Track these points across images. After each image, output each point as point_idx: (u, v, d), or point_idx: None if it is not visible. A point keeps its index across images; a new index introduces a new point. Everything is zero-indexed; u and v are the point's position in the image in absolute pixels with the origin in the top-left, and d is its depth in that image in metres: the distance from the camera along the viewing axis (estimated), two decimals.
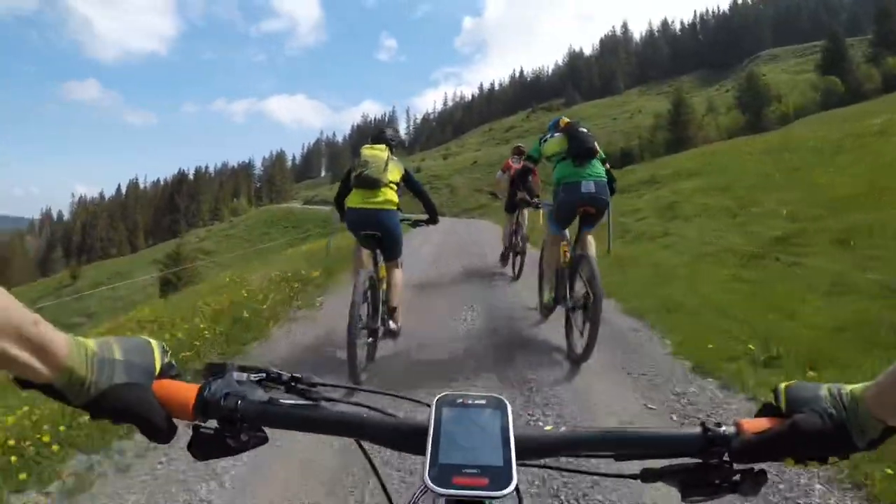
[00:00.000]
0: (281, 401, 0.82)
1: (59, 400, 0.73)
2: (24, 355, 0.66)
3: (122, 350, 0.78)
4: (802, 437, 0.74)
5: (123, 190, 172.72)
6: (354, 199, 5.15)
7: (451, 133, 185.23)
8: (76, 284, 66.21)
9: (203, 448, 0.80)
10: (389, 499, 0.95)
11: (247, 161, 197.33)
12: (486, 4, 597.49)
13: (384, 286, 5.38)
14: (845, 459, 0.76)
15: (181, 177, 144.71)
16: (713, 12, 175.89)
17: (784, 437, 0.75)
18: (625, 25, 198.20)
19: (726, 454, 0.77)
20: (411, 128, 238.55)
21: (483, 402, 0.78)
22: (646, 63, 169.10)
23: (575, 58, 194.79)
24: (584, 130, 5.41)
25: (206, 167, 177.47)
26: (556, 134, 5.55)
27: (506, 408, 0.78)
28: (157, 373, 0.81)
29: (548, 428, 0.81)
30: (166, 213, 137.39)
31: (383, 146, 5.37)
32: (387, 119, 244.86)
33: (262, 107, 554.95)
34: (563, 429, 0.82)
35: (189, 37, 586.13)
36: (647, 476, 0.81)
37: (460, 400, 0.79)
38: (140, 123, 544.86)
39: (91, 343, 0.75)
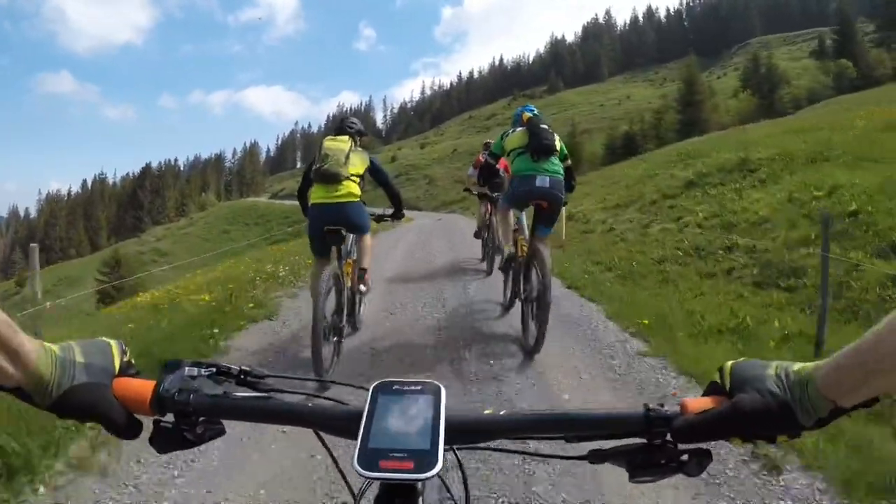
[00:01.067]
0: (234, 394, 0.85)
1: (27, 402, 0.76)
2: (1, 361, 0.71)
3: (82, 352, 0.81)
4: (744, 417, 0.73)
5: (89, 185, 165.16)
6: (317, 194, 5.05)
7: (429, 123, 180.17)
8: (24, 292, 59.68)
9: (163, 441, 0.83)
10: (349, 485, 0.99)
11: (218, 153, 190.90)
12: None
13: (349, 276, 5.38)
14: (795, 438, 0.76)
15: (144, 171, 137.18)
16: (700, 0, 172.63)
17: (726, 417, 0.74)
18: (608, 12, 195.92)
19: (669, 434, 0.77)
20: (388, 117, 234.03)
21: (418, 387, 0.80)
22: (631, 50, 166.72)
23: (557, 45, 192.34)
24: (545, 127, 5.50)
25: (175, 160, 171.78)
26: (519, 129, 5.66)
27: (439, 392, 0.78)
28: (116, 372, 0.83)
29: (486, 412, 0.82)
30: (129, 209, 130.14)
31: (346, 137, 5.26)
32: (363, 108, 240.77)
33: (240, 98, 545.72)
34: (502, 412, 0.82)
35: (166, 27, 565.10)
36: (595, 457, 0.81)
37: (396, 386, 0.80)
38: (118, 116, 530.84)
39: (54, 347, 0.79)
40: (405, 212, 6.08)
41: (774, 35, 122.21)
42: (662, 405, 0.78)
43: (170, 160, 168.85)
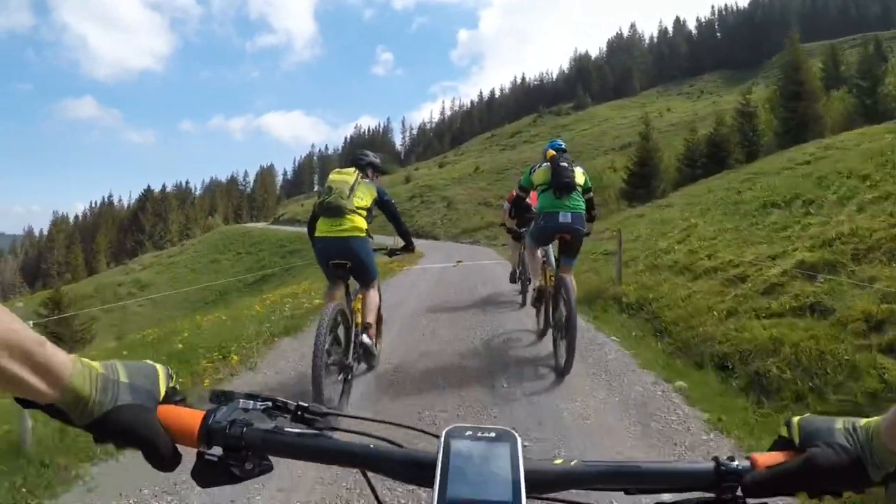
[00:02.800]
0: (286, 429, 0.82)
1: (63, 420, 0.74)
2: (30, 376, 0.68)
3: (126, 373, 0.79)
4: (817, 472, 0.73)
5: (97, 207, 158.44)
6: (321, 228, 5.11)
7: (449, 143, 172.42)
8: None
9: (207, 475, 0.80)
10: None
11: (230, 176, 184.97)
12: (480, 16, 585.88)
13: (358, 312, 5.34)
14: (860, 493, 0.76)
15: (146, 193, 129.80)
16: (731, 9, 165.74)
17: (799, 472, 0.75)
18: (633, 26, 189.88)
19: (739, 489, 0.77)
20: (407, 139, 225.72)
21: (492, 434, 0.78)
22: (662, 63, 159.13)
23: (582, 60, 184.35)
24: (565, 165, 6.04)
25: (186, 182, 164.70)
26: (544, 164, 6.25)
27: (515, 441, 0.77)
28: (161, 397, 0.82)
29: (558, 461, 0.80)
30: (129, 233, 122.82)
31: (352, 170, 5.34)
32: (381, 131, 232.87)
33: (259, 123, 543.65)
34: (573, 462, 0.80)
35: (184, 54, 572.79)
36: None
37: (469, 432, 0.78)
38: (140, 141, 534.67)
39: (96, 365, 0.77)
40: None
41: (817, 42, 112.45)
42: (732, 459, 0.78)
43: (181, 182, 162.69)
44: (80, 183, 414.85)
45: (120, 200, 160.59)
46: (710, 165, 30.48)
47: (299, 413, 0.84)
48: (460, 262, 19.88)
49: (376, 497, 0.91)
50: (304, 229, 5.91)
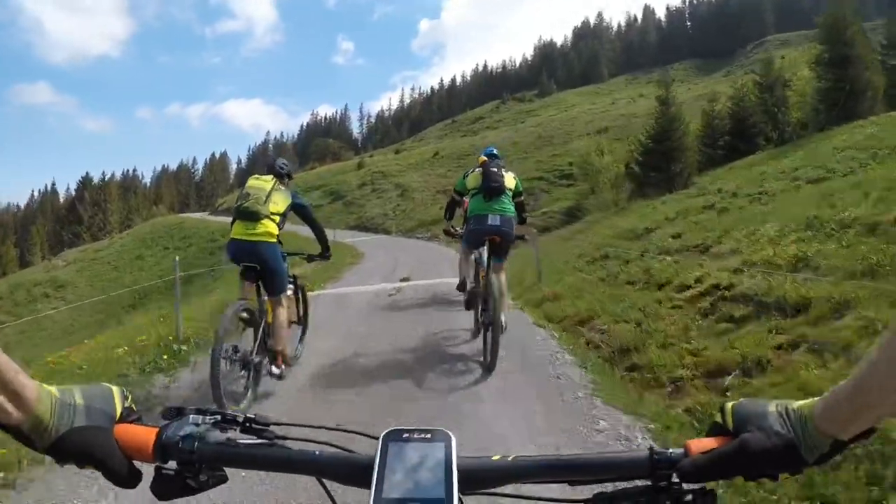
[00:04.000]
0: (238, 441, 0.86)
1: (24, 443, 0.76)
2: (2, 400, 0.72)
3: (82, 395, 0.81)
4: (751, 456, 0.74)
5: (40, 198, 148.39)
6: (235, 231, 5.27)
7: (407, 131, 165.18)
8: None
9: (165, 489, 0.83)
10: None
11: (179, 164, 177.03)
12: (442, 6, 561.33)
13: (266, 323, 5.41)
14: (798, 474, 0.77)
15: (83, 182, 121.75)
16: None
17: (732, 457, 0.76)
18: (599, 15, 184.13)
19: (675, 475, 0.78)
20: (364, 127, 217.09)
21: (428, 435, 0.80)
22: (631, 51, 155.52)
23: (547, 47, 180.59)
24: (495, 170, 6.48)
25: (134, 170, 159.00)
26: (476, 169, 6.73)
27: (450, 440, 0.79)
28: (117, 417, 0.84)
29: (495, 457, 0.83)
30: (67, 224, 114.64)
31: (270, 177, 5.55)
32: (339, 118, 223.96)
33: (218, 111, 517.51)
34: (510, 458, 0.83)
35: (142, 38, 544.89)
36: (599, 501, 0.81)
37: (406, 434, 0.80)
38: (96, 129, 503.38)
39: (53, 389, 0.79)
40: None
41: (795, 32, 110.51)
42: (667, 448, 0.80)
43: (128, 171, 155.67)
44: (33, 172, 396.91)
45: (67, 189, 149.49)
46: (736, 145, 25.17)
47: (247, 424, 0.86)
48: (406, 280, 13.35)
49: (332, 500, 0.93)
50: None
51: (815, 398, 0.75)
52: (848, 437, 0.72)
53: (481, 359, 6.22)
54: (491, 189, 6.33)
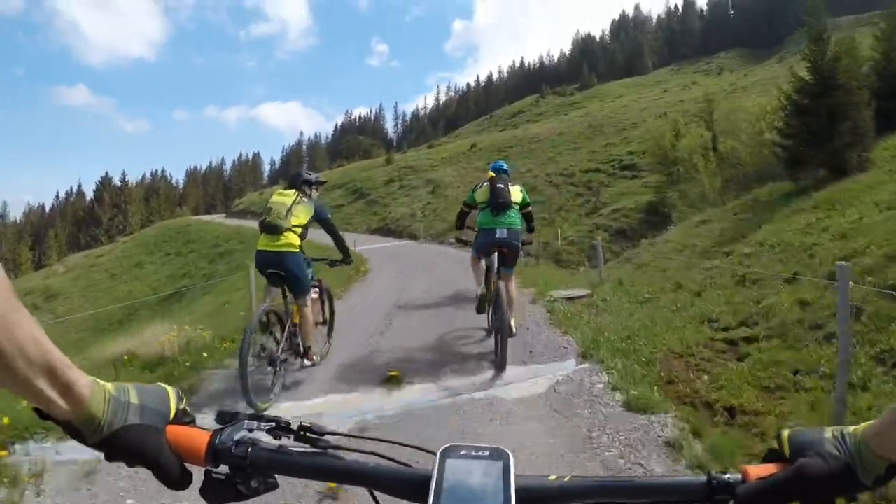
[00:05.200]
0: (290, 448, 0.87)
1: (75, 437, 0.78)
2: (53, 394, 0.72)
3: (137, 394, 0.82)
4: (808, 481, 0.75)
5: (62, 197, 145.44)
6: (261, 243, 5.85)
7: (443, 129, 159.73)
8: None
9: (214, 493, 0.84)
10: None
11: (208, 164, 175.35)
12: (476, 7, 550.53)
13: (295, 324, 5.94)
14: (854, 500, 0.78)
15: (103, 183, 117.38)
16: None
17: (790, 482, 0.76)
18: (637, 7, 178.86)
19: (731, 501, 0.78)
20: (399, 126, 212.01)
21: (486, 453, 0.80)
22: (674, 41, 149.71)
23: (587, 41, 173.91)
24: (502, 186, 6.90)
25: (162, 171, 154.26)
26: (485, 184, 7.15)
27: (508, 458, 0.79)
28: (171, 418, 0.85)
29: (551, 477, 0.82)
30: (84, 226, 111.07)
31: (292, 191, 6.04)
32: (373, 117, 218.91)
33: (255, 114, 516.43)
34: (566, 479, 0.82)
35: (178, 41, 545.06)
36: None
37: (464, 451, 0.80)
38: (133, 130, 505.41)
39: (109, 386, 0.80)
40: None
41: (846, 17, 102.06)
42: (725, 472, 0.80)
43: (155, 171, 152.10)
44: (69, 173, 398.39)
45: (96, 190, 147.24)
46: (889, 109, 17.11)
47: (301, 433, 0.87)
48: (395, 377, 6.18)
49: None
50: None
51: (870, 422, 0.76)
52: None
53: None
54: (498, 205, 6.82)
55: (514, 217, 6.90)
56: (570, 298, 10.34)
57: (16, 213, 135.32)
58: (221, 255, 38.92)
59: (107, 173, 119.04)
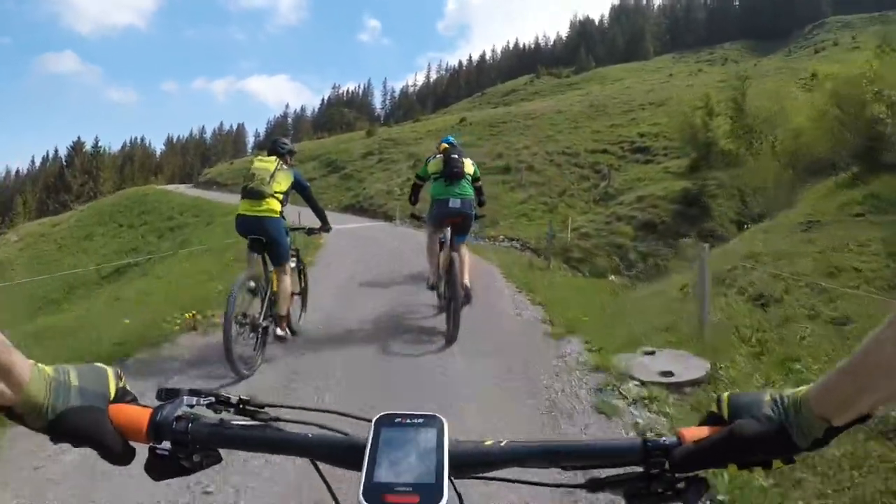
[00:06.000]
0: (231, 423, 0.87)
1: (19, 422, 0.77)
2: None
3: (77, 375, 0.81)
4: (741, 442, 0.75)
5: (37, 163, 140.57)
6: (242, 207, 5.81)
7: (432, 107, 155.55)
8: None
9: (158, 469, 0.84)
10: None
11: (188, 134, 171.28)
12: None
13: (272, 291, 5.89)
14: (791, 462, 0.79)
15: (74, 148, 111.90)
16: None
17: (723, 444, 0.77)
18: None
19: (667, 463, 0.79)
20: (387, 102, 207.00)
21: (420, 420, 0.81)
22: (677, 28, 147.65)
23: (586, 24, 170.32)
24: (455, 156, 6.98)
25: (141, 139, 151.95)
26: (438, 156, 7.20)
27: (442, 425, 0.80)
28: (112, 397, 0.84)
29: (487, 442, 0.84)
30: (54, 192, 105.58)
31: (273, 158, 6.03)
32: (361, 92, 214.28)
33: (242, 86, 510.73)
34: (502, 443, 0.84)
35: (168, 12, 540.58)
36: (593, 485, 0.83)
37: (398, 419, 0.82)
38: (120, 99, 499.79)
39: (48, 369, 0.79)
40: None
41: (856, 15, 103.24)
42: (660, 436, 0.81)
43: (134, 138, 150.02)
44: (54, 140, 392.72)
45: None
46: None
47: (241, 406, 0.88)
48: None
49: (325, 481, 0.93)
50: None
51: (810, 385, 0.76)
52: (842, 422, 0.73)
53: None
54: (452, 174, 6.87)
55: (467, 187, 7.01)
56: (672, 385, 5.13)
57: None
58: (172, 230, 34.89)
59: (79, 138, 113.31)
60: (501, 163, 31.73)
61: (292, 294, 6.22)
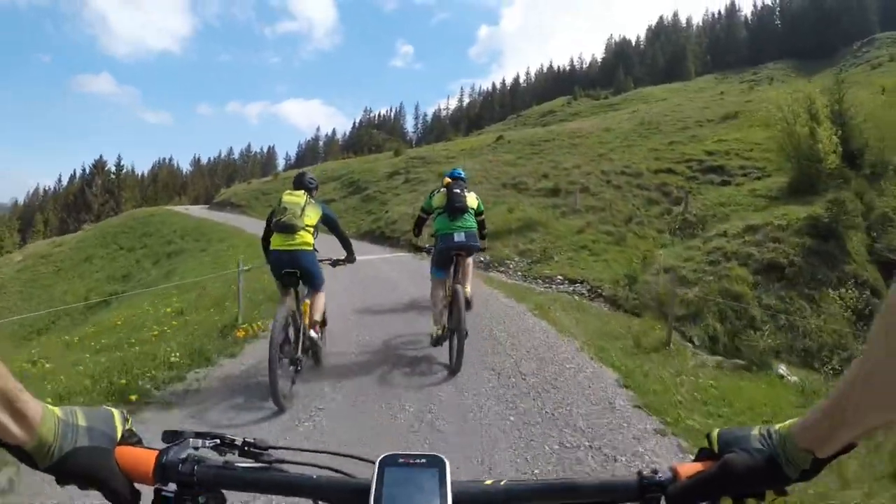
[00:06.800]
0: (236, 464, 0.88)
1: (26, 462, 0.78)
2: (5, 419, 0.74)
3: (85, 417, 0.83)
4: (733, 475, 0.78)
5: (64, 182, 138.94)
6: (276, 242, 5.92)
7: (465, 130, 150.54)
8: None
9: None
10: None
11: (216, 155, 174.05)
12: (501, 13, 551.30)
13: (306, 313, 6.05)
14: (783, 494, 0.80)
15: (95, 167, 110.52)
16: None
17: (716, 477, 0.80)
18: (675, 14, 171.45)
19: (663, 498, 0.82)
20: (419, 126, 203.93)
21: (423, 460, 0.83)
22: (717, 48, 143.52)
23: (623, 45, 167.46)
24: (458, 191, 7.03)
25: (170, 159, 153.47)
26: (442, 189, 7.25)
27: (444, 465, 0.82)
28: (118, 439, 0.86)
29: (488, 482, 0.85)
30: (73, 211, 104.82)
31: (302, 192, 6.15)
32: (393, 116, 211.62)
33: (276, 110, 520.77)
34: (503, 482, 0.85)
35: (204, 36, 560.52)
36: None
37: (402, 459, 0.83)
38: (156, 121, 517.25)
39: (57, 410, 0.81)
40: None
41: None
42: (656, 472, 0.83)
43: (162, 159, 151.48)
44: (88, 160, 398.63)
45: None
46: None
47: (245, 448, 0.89)
48: None
49: None
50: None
51: (796, 418, 0.79)
52: (826, 454, 0.76)
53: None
54: (455, 209, 6.93)
55: (470, 220, 7.03)
56: None
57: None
58: (168, 256, 31.33)
59: (101, 157, 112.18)
60: (548, 184, 26.77)
61: (316, 323, 6.19)
